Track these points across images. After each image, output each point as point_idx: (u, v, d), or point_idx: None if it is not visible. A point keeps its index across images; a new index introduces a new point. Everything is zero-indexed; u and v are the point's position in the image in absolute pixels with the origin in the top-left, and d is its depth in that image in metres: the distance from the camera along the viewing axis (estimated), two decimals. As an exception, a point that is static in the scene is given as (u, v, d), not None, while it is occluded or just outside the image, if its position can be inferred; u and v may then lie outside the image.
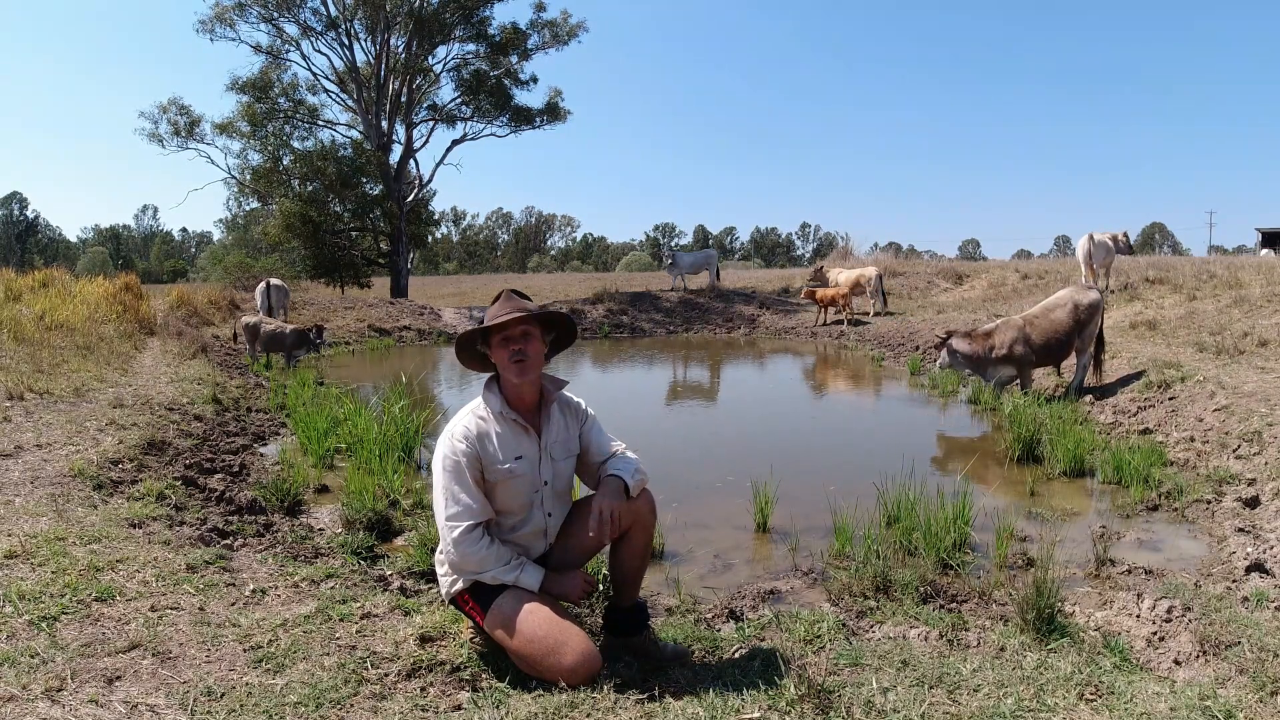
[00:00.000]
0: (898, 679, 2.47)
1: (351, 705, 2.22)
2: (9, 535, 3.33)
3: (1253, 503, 4.57)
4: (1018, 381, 8.43)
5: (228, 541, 3.87)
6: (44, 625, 2.54)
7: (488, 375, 2.72)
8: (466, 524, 2.48)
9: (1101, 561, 3.84)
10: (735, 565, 4.07)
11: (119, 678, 2.27)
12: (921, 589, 3.41)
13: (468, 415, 2.59)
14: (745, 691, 2.36)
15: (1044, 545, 3.99)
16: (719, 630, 3.10)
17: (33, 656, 2.32)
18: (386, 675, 2.44)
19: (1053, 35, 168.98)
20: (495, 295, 2.64)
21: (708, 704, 2.26)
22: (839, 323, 17.43)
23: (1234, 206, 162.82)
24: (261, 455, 6.26)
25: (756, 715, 2.19)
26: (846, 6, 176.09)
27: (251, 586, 3.16)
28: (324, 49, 25.11)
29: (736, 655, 2.78)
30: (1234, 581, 3.56)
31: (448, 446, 2.53)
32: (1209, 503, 4.75)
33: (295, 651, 2.53)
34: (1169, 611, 3.09)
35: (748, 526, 4.58)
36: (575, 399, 2.79)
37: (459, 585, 2.62)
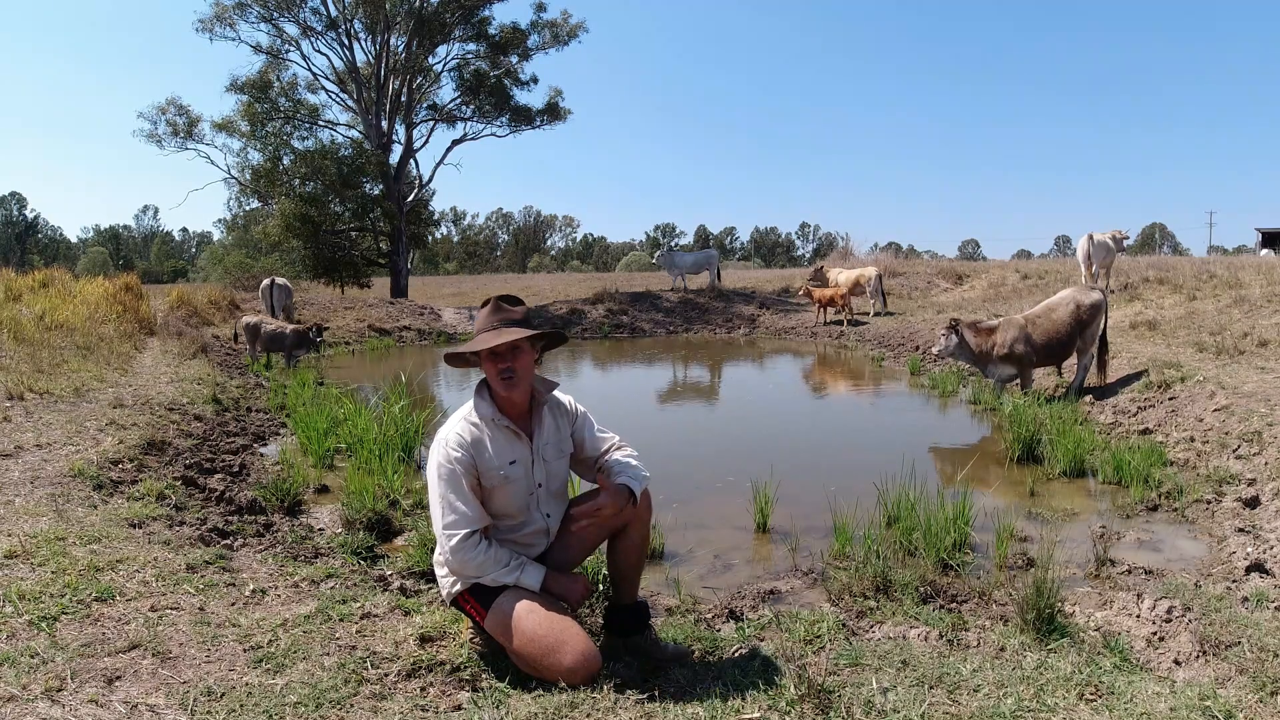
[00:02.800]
0: (898, 679, 2.47)
1: (351, 705, 2.22)
2: (9, 535, 3.33)
3: (1253, 503, 4.57)
4: (1018, 381, 8.43)
5: (228, 541, 3.87)
6: (44, 625, 2.54)
7: (481, 378, 2.70)
8: (464, 532, 2.47)
9: (1101, 561, 3.84)
10: (735, 565, 4.07)
11: (119, 678, 2.27)
12: (921, 589, 3.41)
13: (460, 422, 2.56)
14: (745, 692, 2.36)
15: (1044, 545, 3.98)
16: (719, 630, 3.10)
17: (33, 656, 2.32)
18: (386, 675, 2.44)
19: (1053, 36, 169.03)
20: (484, 301, 2.61)
21: (708, 704, 2.26)
22: (838, 323, 17.43)
23: (1234, 206, 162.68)
24: (261, 455, 6.26)
25: (756, 715, 2.19)
26: (847, 6, 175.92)
27: (251, 586, 3.16)
28: (324, 49, 25.11)
29: (736, 655, 2.78)
30: (1234, 581, 3.55)
31: (442, 454, 2.52)
32: (1209, 503, 4.75)
33: (295, 651, 2.53)
34: (1169, 611, 3.09)
35: (748, 526, 4.58)
36: (564, 398, 2.77)
37: (458, 587, 2.63)
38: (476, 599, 2.58)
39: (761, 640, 2.91)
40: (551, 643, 2.37)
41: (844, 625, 3.04)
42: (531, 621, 2.42)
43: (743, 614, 3.29)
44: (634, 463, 2.70)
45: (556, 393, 2.73)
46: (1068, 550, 4.06)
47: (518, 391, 2.52)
